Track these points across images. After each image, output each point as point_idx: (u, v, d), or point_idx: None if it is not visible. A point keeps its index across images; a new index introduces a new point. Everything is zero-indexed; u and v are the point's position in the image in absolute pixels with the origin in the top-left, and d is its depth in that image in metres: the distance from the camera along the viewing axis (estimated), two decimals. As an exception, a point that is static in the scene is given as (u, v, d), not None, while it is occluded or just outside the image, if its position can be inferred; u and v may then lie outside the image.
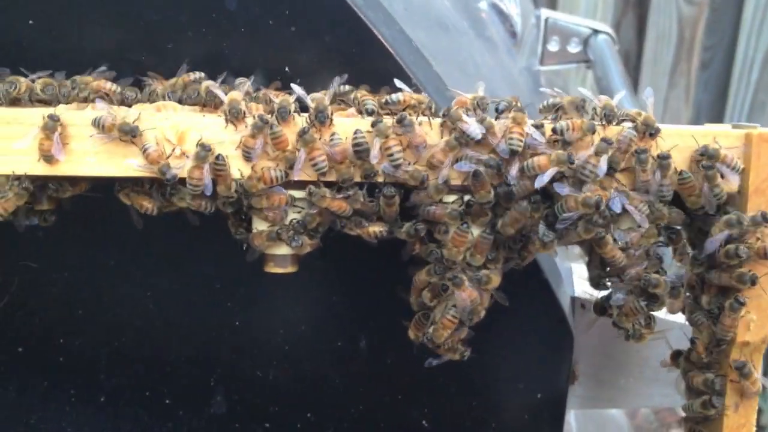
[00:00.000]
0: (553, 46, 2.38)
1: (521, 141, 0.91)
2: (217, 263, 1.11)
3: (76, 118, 0.88)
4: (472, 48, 1.44)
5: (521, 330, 1.13)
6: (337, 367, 1.16)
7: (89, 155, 0.89)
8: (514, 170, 0.91)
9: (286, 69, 0.99)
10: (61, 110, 0.89)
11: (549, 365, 1.14)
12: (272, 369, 1.16)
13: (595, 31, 2.37)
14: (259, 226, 0.94)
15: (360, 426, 1.17)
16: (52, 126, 0.85)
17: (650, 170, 0.93)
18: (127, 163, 0.89)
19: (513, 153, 0.91)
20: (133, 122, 0.87)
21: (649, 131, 0.94)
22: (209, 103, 0.91)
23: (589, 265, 1.05)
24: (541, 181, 0.91)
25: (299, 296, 1.13)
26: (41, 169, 0.89)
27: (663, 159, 0.93)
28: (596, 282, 1.04)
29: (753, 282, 0.95)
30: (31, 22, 0.97)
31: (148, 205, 0.94)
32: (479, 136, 0.91)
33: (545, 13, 2.37)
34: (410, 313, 1.01)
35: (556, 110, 0.98)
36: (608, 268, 1.00)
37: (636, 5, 3.60)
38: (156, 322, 1.14)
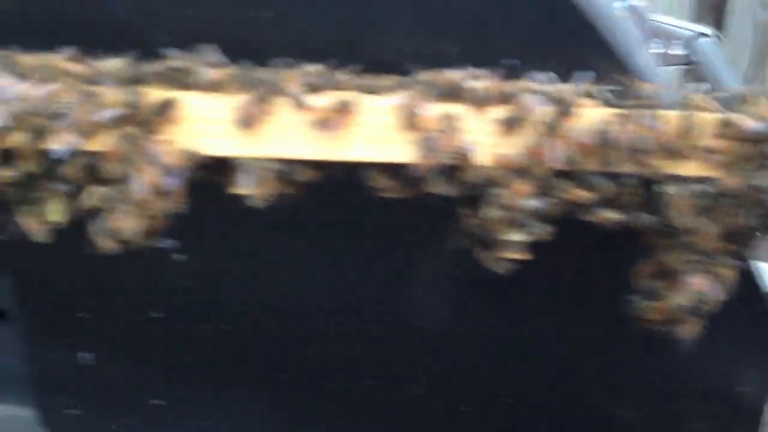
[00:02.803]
0: (656, 49, 2.36)
1: None
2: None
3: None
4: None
5: (724, 321, 1.12)
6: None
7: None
8: None
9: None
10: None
11: (749, 358, 1.13)
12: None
13: (698, 33, 2.36)
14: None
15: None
16: None
17: None
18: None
19: None
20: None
21: None
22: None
23: None
24: None
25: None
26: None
27: None
28: None
29: None
30: None
31: None
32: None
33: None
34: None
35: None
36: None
37: (712, 10, 3.59)
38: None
